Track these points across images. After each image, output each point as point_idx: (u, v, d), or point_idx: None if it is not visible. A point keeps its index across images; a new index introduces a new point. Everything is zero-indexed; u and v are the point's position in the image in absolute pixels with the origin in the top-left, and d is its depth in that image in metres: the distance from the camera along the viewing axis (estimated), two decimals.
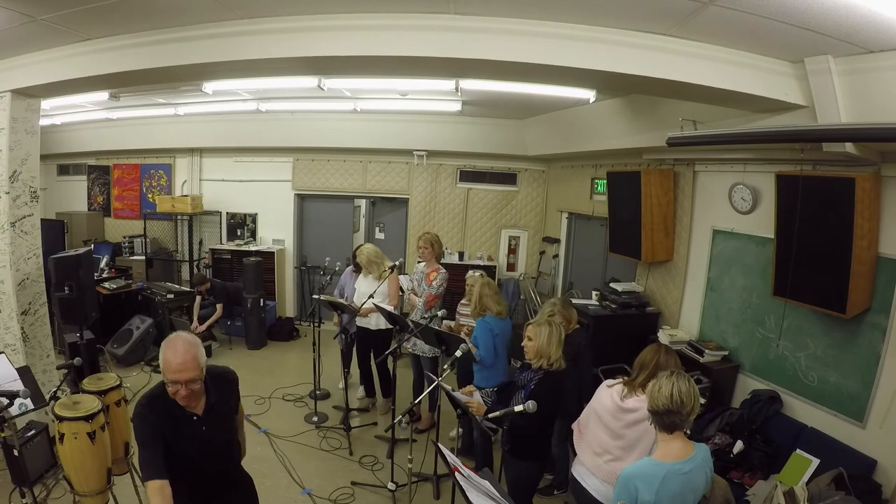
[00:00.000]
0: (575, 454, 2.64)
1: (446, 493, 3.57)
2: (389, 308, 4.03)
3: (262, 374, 5.65)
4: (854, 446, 2.97)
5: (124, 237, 7.68)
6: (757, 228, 3.73)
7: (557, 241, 6.71)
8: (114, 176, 8.10)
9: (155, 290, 6.17)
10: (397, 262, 4.39)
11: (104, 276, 6.59)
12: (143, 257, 7.34)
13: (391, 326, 4.06)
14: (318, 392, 4.85)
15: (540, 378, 2.65)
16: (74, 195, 8.28)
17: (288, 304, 7.59)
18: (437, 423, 3.29)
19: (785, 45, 2.50)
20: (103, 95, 4.87)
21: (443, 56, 2.64)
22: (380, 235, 7.89)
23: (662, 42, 2.58)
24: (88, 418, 2.60)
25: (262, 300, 6.46)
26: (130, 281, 6.57)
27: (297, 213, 7.52)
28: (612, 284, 4.74)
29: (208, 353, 5.99)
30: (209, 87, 4.32)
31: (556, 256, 6.71)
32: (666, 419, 1.93)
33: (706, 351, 3.90)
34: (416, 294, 4.54)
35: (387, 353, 3.63)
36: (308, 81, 3.97)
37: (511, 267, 7.33)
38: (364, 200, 8.18)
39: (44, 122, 4.69)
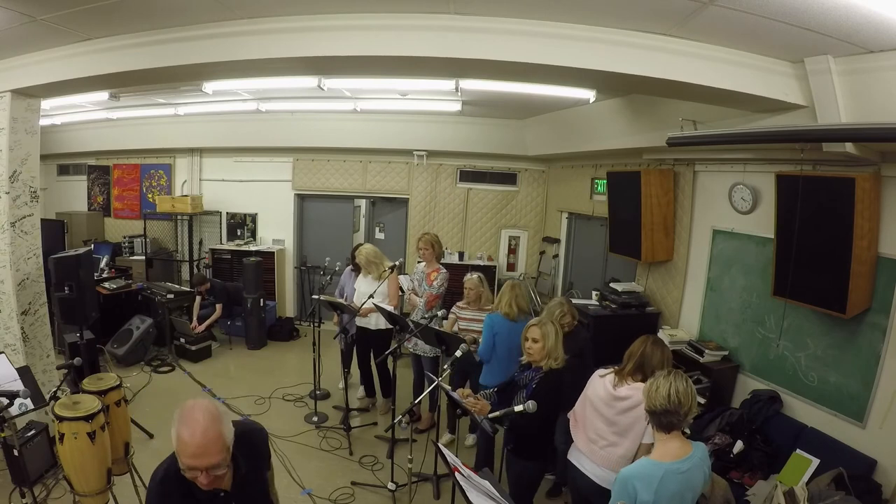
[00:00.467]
0: None
1: (446, 493, 3.57)
2: (389, 308, 4.03)
3: (262, 374, 5.66)
4: (854, 446, 2.97)
5: (124, 237, 7.68)
6: (757, 228, 3.73)
7: (557, 241, 6.70)
8: (114, 176, 8.10)
9: (155, 290, 6.17)
10: (397, 262, 4.38)
11: (104, 276, 6.59)
12: (143, 257, 7.34)
13: (391, 326, 4.07)
14: (318, 392, 4.85)
15: (541, 377, 2.66)
16: (74, 195, 8.28)
17: (288, 304, 7.59)
18: (437, 423, 3.29)
19: (785, 45, 2.50)
20: (103, 95, 4.87)
21: (443, 56, 2.65)
22: (380, 235, 7.88)
23: (662, 42, 2.58)
24: (88, 418, 2.60)
25: (262, 300, 6.46)
26: (130, 281, 6.58)
27: (297, 213, 7.51)
28: (612, 284, 4.74)
29: (208, 353, 6.06)
30: (209, 87, 4.32)
31: (556, 256, 6.71)
32: (664, 419, 1.94)
33: (706, 351, 3.90)
34: (416, 294, 4.55)
35: (387, 353, 3.62)
36: (308, 81, 3.97)
37: (511, 267, 7.32)
38: (364, 200, 8.18)
39: (44, 122, 4.69)
